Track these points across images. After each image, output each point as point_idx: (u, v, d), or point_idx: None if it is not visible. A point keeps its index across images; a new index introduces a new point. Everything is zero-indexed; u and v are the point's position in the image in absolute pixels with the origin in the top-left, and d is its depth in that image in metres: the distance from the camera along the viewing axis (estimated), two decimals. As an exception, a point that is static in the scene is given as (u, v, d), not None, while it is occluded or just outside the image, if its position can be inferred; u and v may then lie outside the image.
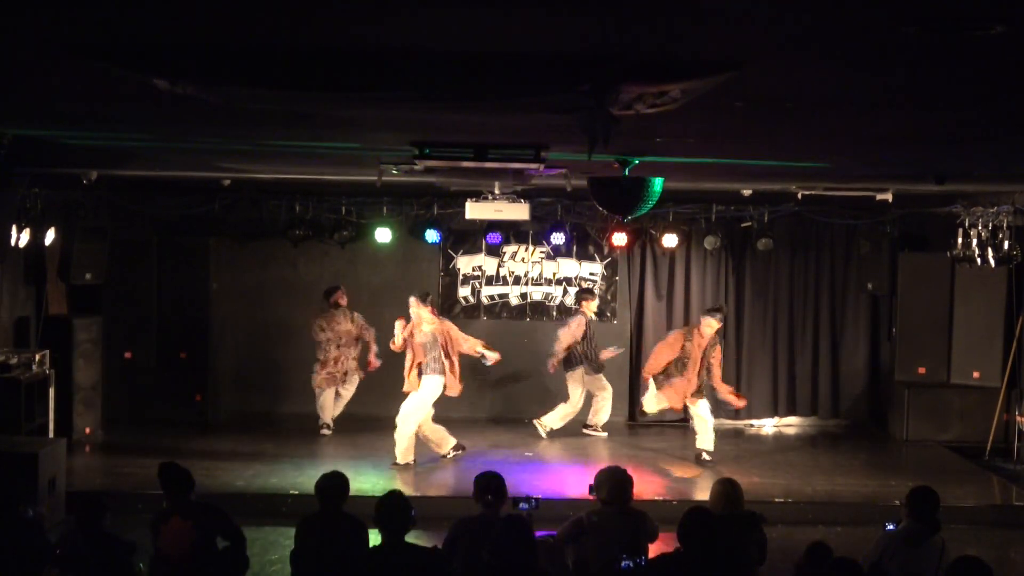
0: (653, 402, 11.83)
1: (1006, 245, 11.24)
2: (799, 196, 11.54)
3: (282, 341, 13.61)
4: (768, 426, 13.79)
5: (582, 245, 13.61)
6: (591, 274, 13.73)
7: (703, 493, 7.32)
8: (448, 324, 11.33)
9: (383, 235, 12.95)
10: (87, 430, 12.02)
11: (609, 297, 13.73)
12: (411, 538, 5.86)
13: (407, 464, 11.04)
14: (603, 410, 12.75)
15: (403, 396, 12.47)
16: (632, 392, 13.62)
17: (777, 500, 10.08)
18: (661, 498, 9.99)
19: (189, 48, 3.98)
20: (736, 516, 6.48)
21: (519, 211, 11.22)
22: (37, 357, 10.96)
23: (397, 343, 11.16)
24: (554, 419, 12.54)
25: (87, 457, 11.50)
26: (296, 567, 6.44)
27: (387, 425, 12.99)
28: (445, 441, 11.36)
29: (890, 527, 6.26)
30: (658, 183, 7.68)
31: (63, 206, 11.94)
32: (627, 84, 4.16)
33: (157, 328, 12.75)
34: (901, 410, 12.96)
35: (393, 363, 13.11)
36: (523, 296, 13.76)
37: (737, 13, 3.29)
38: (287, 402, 13.60)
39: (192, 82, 4.27)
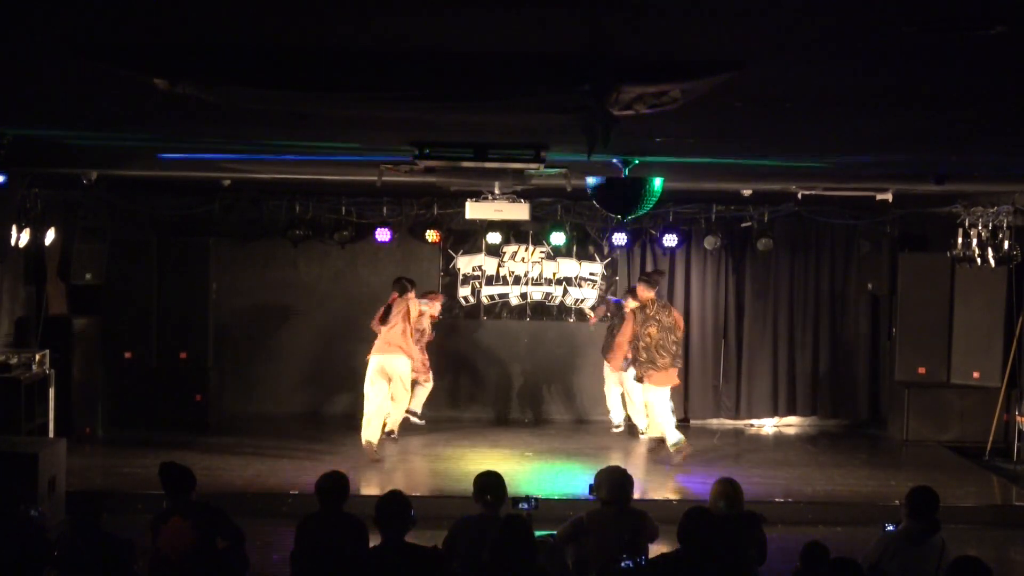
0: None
1: (1006, 245, 11.24)
2: (799, 196, 11.55)
3: (282, 341, 13.61)
4: (768, 426, 13.78)
5: (582, 245, 13.60)
6: (591, 274, 13.73)
7: (703, 493, 7.31)
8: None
9: (383, 235, 12.94)
10: (87, 430, 12.02)
11: (609, 297, 13.71)
12: (411, 538, 5.86)
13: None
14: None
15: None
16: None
17: (777, 500, 10.08)
18: (661, 498, 9.99)
19: (189, 48, 3.98)
20: (736, 516, 6.47)
21: (519, 211, 11.22)
22: (37, 357, 10.95)
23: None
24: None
25: (87, 457, 11.48)
26: (296, 567, 6.44)
27: (387, 425, 13.00)
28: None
29: (890, 527, 6.26)
30: (658, 183, 7.68)
31: (63, 206, 11.93)
32: (627, 84, 4.16)
33: (157, 328, 12.73)
34: (901, 410, 12.95)
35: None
36: (523, 296, 13.75)
37: (738, 13, 3.29)
38: (287, 402, 13.60)
39: (192, 82, 4.28)
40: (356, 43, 3.87)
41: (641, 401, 11.96)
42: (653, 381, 11.42)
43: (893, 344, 13.26)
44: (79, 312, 12.49)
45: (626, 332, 11.69)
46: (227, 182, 11.52)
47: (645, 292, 11.54)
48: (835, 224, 13.31)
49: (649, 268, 13.58)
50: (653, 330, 11.35)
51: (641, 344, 11.39)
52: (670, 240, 12.94)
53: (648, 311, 11.44)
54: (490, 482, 6.40)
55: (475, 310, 13.71)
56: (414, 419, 12.43)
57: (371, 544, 6.25)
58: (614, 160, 7.69)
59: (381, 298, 13.37)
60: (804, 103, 5.10)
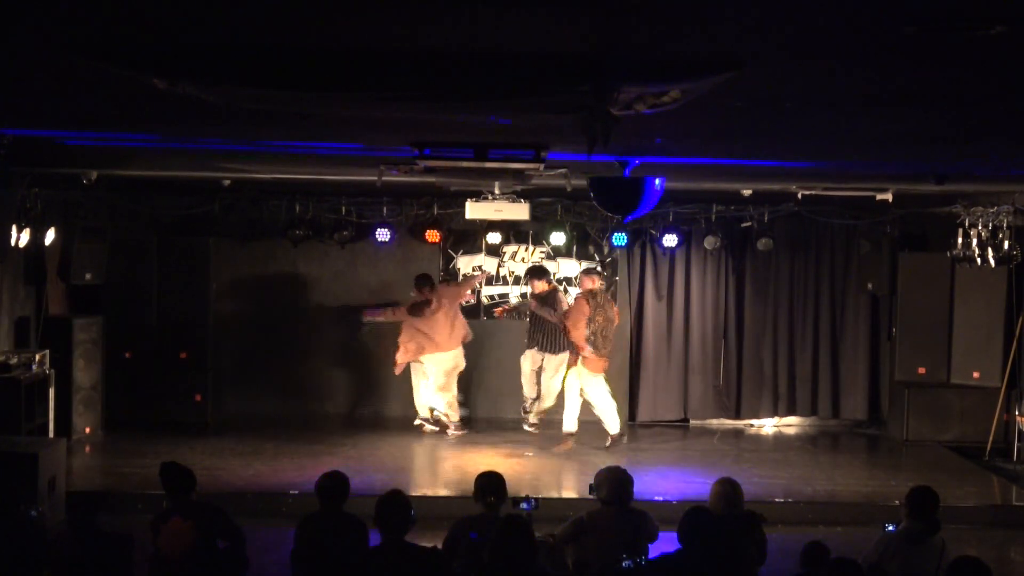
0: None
1: (1006, 245, 11.24)
2: (799, 196, 11.54)
3: (282, 341, 13.60)
4: (768, 426, 13.79)
5: (582, 245, 13.61)
6: (591, 274, 13.71)
7: (703, 493, 7.32)
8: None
9: (383, 235, 12.94)
10: (87, 430, 12.02)
11: (609, 297, 13.71)
12: (411, 538, 5.86)
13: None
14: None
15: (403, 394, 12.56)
16: (632, 391, 13.62)
17: (777, 500, 10.08)
18: (661, 498, 9.99)
19: (189, 48, 3.98)
20: (736, 516, 6.48)
21: (519, 211, 11.22)
22: (37, 357, 10.96)
23: None
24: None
25: (87, 457, 11.49)
26: (296, 567, 6.44)
27: (387, 425, 13.02)
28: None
29: (890, 527, 6.26)
30: (658, 183, 7.68)
31: (63, 206, 11.94)
32: (627, 84, 4.17)
33: (157, 328, 12.74)
34: (901, 410, 12.95)
35: (387, 360, 13.11)
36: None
37: (737, 14, 3.29)
38: (287, 402, 13.59)
39: (192, 82, 4.28)
40: (356, 43, 3.87)
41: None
42: (591, 368, 11.65)
43: (893, 344, 13.26)
44: (79, 312, 12.49)
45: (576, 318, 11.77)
46: (227, 182, 11.52)
47: (593, 282, 11.85)
48: (835, 224, 13.31)
49: (649, 268, 13.62)
50: (601, 318, 11.65)
51: (589, 329, 11.60)
52: (670, 240, 12.96)
53: (598, 299, 11.75)
54: (491, 482, 6.41)
55: (475, 310, 13.70)
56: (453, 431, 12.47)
57: (371, 544, 6.25)
58: (614, 160, 7.69)
59: (381, 298, 13.43)
60: (804, 103, 5.10)
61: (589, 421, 12.18)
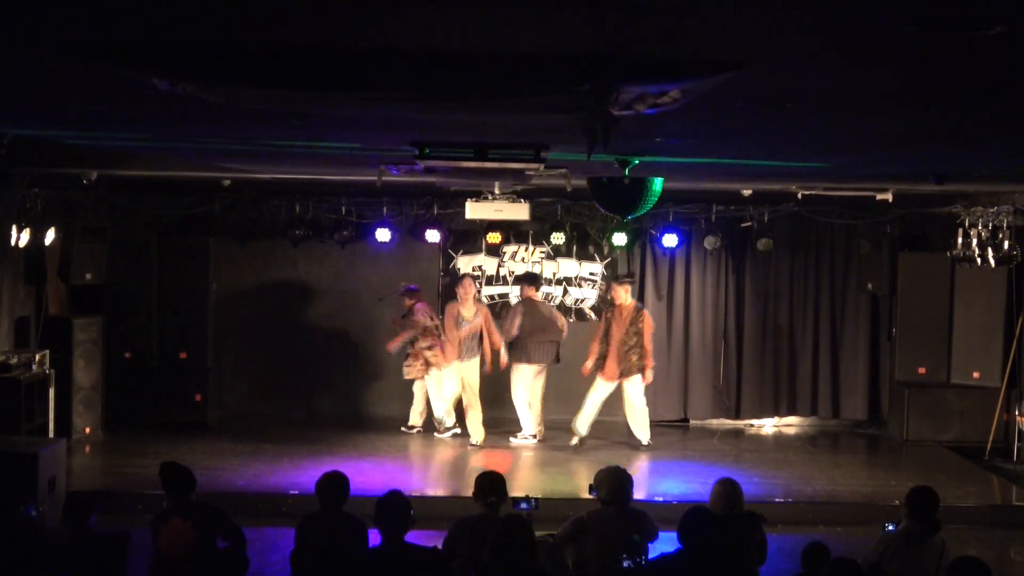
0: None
1: (1006, 245, 11.24)
2: (799, 196, 11.54)
3: (282, 341, 13.60)
4: (768, 426, 13.78)
5: (582, 245, 13.61)
6: (591, 274, 13.73)
7: (703, 493, 7.32)
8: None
9: (383, 235, 12.94)
10: (87, 430, 12.02)
11: (609, 297, 13.70)
12: (411, 538, 5.86)
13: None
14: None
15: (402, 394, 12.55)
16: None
17: (777, 500, 10.08)
18: (661, 498, 9.99)
19: (189, 48, 3.98)
20: (736, 516, 6.48)
21: (519, 211, 11.23)
22: (37, 357, 10.96)
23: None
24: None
25: (87, 457, 11.50)
26: (296, 567, 6.44)
27: (387, 424, 13.01)
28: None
29: (890, 527, 6.26)
30: (658, 183, 7.69)
31: (63, 206, 11.94)
32: (627, 84, 4.16)
33: (157, 328, 12.75)
34: (901, 410, 12.96)
35: (387, 361, 13.10)
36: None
37: (737, 14, 3.29)
38: (287, 402, 13.59)
39: (192, 82, 4.28)
40: (356, 43, 3.87)
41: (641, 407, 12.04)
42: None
43: (893, 344, 13.27)
44: (79, 312, 12.49)
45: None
46: (227, 182, 11.52)
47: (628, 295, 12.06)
48: (835, 224, 13.32)
49: (649, 268, 13.62)
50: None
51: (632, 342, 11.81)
52: (670, 240, 12.96)
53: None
54: (491, 482, 6.40)
55: (475, 310, 13.68)
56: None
57: (371, 544, 6.25)
58: (614, 160, 7.69)
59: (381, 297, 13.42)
60: (804, 103, 5.10)
61: (596, 420, 12.21)
